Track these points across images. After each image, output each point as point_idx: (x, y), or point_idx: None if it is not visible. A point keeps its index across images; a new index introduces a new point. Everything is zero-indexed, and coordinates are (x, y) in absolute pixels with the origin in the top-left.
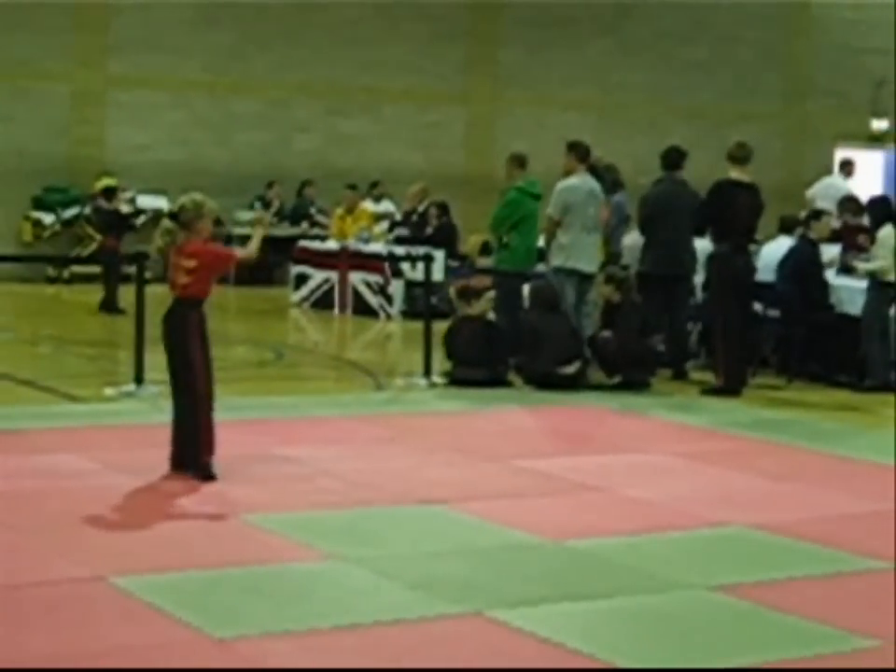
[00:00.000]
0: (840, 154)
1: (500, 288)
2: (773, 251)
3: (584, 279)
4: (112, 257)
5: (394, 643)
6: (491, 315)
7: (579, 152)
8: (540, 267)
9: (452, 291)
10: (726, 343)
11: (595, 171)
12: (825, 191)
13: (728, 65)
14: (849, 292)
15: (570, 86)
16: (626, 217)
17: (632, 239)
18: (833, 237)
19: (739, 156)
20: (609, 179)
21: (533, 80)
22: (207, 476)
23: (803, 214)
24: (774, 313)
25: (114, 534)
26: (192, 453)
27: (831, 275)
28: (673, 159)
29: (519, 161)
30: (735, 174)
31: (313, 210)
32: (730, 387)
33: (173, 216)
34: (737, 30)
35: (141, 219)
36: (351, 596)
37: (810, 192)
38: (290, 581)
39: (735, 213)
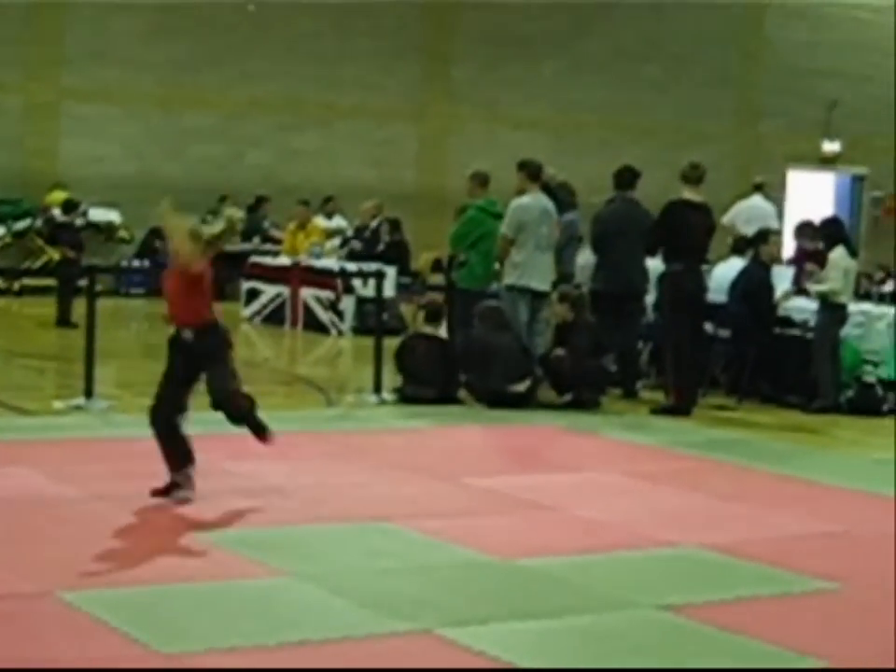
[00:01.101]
0: (793, 175)
1: (457, 306)
2: (724, 272)
3: (537, 297)
4: (70, 270)
5: (342, 660)
6: (442, 333)
7: (530, 171)
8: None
9: (416, 308)
10: (677, 363)
11: (548, 189)
12: (749, 213)
13: (681, 85)
14: (800, 313)
15: (524, 104)
16: (578, 236)
17: (584, 258)
18: (789, 262)
19: (692, 176)
20: (563, 197)
21: (486, 98)
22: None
23: (729, 240)
24: (725, 333)
25: (62, 548)
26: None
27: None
28: (626, 178)
29: (481, 180)
30: (687, 194)
31: (266, 224)
32: (680, 407)
33: None
34: (691, 50)
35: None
36: (300, 613)
37: (728, 216)
38: (239, 597)
39: (687, 233)
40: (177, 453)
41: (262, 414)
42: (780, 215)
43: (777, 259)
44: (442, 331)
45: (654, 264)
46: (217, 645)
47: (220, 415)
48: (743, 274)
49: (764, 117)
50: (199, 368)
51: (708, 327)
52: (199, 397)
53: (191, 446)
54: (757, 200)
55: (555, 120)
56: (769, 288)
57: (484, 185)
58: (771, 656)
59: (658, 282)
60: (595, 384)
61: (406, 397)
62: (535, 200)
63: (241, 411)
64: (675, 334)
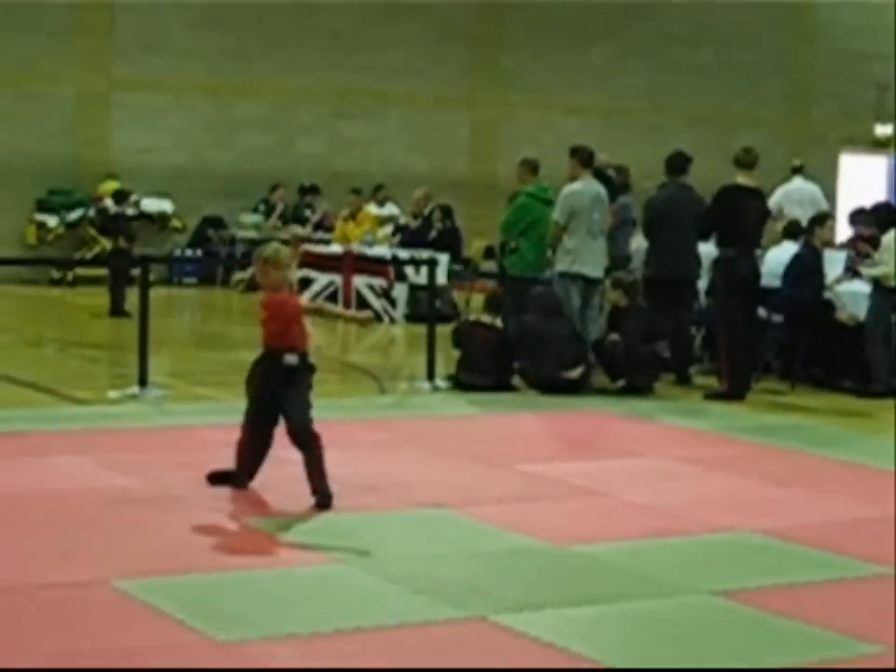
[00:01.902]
0: (845, 159)
1: (509, 293)
2: (777, 256)
3: (589, 284)
4: (123, 260)
5: (397, 647)
6: (498, 322)
7: (582, 157)
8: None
9: (469, 293)
10: (730, 348)
11: (600, 174)
12: (798, 195)
13: (732, 70)
14: (853, 297)
15: (574, 90)
16: (632, 219)
17: (638, 242)
18: (842, 246)
19: (746, 161)
20: (618, 181)
21: (537, 84)
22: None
23: (779, 226)
24: (778, 318)
25: (117, 537)
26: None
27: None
28: (678, 163)
29: (531, 166)
30: (741, 178)
31: (308, 213)
32: (734, 392)
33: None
34: (741, 34)
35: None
36: (354, 600)
37: (774, 200)
38: (294, 584)
39: (740, 218)
40: (249, 463)
41: (315, 402)
42: (832, 198)
43: (829, 243)
44: (499, 321)
45: (707, 249)
46: (273, 632)
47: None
48: (796, 259)
49: (816, 100)
50: (283, 394)
51: (762, 312)
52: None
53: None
54: (799, 182)
55: (605, 106)
56: (822, 273)
57: (534, 171)
58: (825, 641)
59: (712, 267)
60: (649, 369)
61: (460, 384)
62: (587, 186)
63: (314, 448)
64: (728, 319)
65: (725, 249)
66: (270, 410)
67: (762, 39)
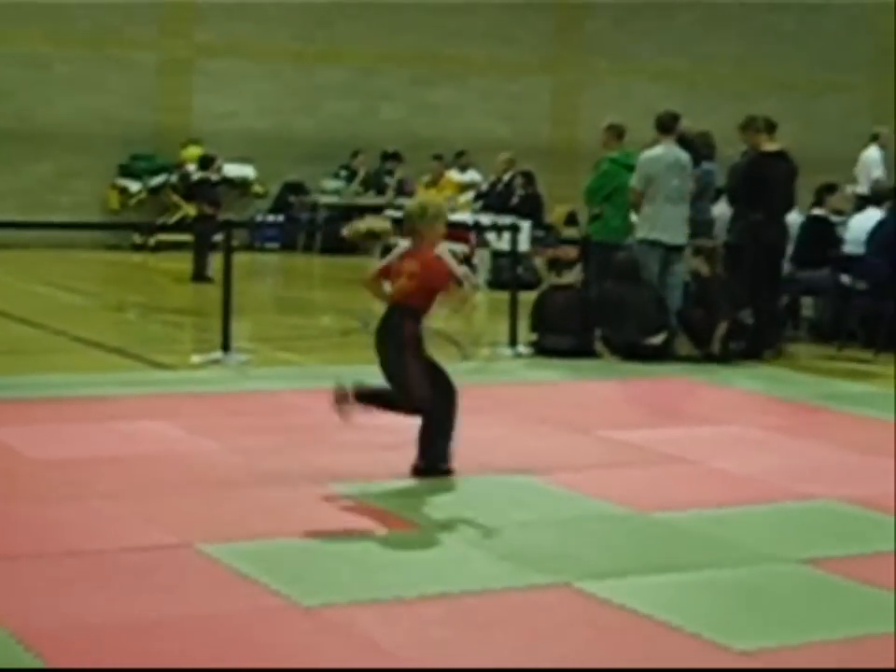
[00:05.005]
0: None
1: (592, 259)
2: (861, 223)
3: (669, 251)
4: (207, 225)
5: (481, 613)
6: (572, 279)
7: (661, 122)
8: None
9: (540, 261)
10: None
11: (684, 140)
12: (867, 163)
13: (816, 36)
14: None
15: (658, 56)
16: (714, 185)
17: (720, 209)
18: None
19: (765, 127)
20: (700, 148)
21: (620, 50)
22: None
23: (857, 189)
24: (862, 285)
25: (200, 501)
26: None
27: None
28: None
29: (617, 132)
30: (767, 145)
31: (387, 180)
32: (753, 349)
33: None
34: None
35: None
36: (439, 566)
37: (857, 168)
38: (378, 550)
39: (770, 183)
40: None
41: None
42: None
43: None
44: (571, 278)
45: (793, 217)
46: (357, 597)
47: (357, 369)
48: (880, 225)
49: None
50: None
51: (846, 279)
52: (341, 352)
53: None
54: (871, 150)
55: (689, 72)
56: None
57: (620, 137)
58: None
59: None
60: (732, 337)
61: (542, 348)
62: (665, 152)
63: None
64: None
65: (753, 214)
66: None
67: (845, 4)
